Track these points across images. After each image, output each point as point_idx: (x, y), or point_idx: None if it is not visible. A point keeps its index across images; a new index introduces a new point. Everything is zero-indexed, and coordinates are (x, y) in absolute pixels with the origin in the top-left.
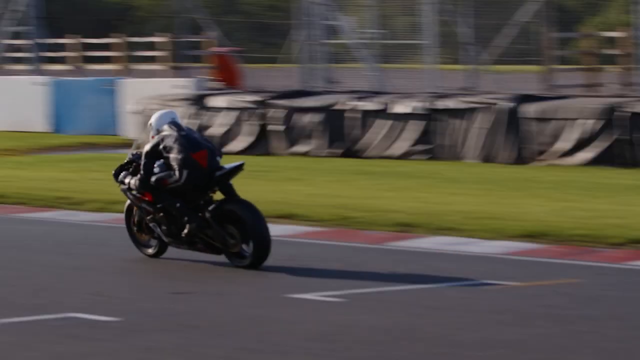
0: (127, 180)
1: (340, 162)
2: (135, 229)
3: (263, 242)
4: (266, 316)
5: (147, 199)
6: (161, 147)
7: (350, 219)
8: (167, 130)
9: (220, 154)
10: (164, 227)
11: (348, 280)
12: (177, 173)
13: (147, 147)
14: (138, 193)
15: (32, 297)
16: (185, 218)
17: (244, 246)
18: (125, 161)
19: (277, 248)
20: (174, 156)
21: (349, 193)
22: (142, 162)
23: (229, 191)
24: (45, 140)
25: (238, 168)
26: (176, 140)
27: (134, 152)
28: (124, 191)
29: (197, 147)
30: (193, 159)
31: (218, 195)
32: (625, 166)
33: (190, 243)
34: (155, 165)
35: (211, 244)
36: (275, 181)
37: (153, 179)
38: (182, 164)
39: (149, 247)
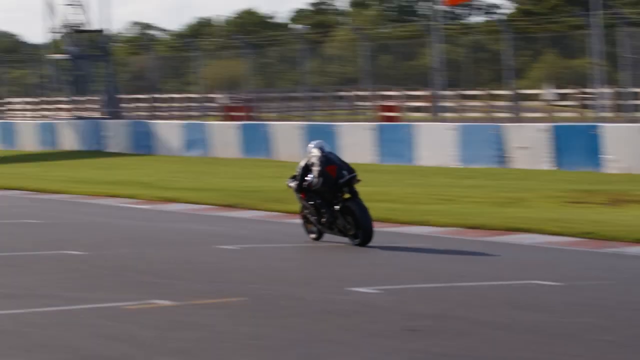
0: (291, 184)
1: None
2: (304, 220)
3: (367, 230)
4: None
5: (303, 197)
6: (308, 163)
7: None
8: (314, 152)
9: (350, 170)
10: (314, 218)
11: None
12: (316, 180)
13: (301, 163)
14: (298, 193)
15: None
16: (323, 210)
17: (358, 232)
18: (295, 174)
19: None
20: (315, 168)
21: None
22: (299, 173)
23: (353, 194)
24: None
25: (353, 178)
26: (318, 158)
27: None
28: (295, 193)
29: (330, 163)
30: (326, 171)
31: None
32: None
33: (329, 228)
34: (309, 175)
35: (340, 230)
36: None
37: (305, 184)
38: (319, 174)
39: (313, 233)
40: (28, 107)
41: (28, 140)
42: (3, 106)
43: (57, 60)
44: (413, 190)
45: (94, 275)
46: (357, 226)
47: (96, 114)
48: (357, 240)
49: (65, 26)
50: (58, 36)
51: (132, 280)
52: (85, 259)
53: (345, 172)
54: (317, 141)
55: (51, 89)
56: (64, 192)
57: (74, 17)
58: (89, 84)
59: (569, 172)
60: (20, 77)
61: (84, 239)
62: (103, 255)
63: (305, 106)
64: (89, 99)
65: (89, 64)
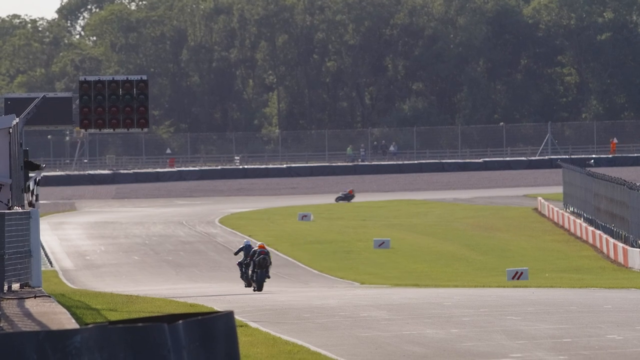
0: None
1: None
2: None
3: (259, 285)
4: None
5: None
6: (251, 252)
7: None
8: (248, 244)
9: (267, 257)
10: (245, 274)
11: None
12: (247, 259)
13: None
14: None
15: None
16: (247, 271)
17: (256, 286)
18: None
19: None
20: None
21: None
22: (238, 252)
23: (265, 269)
24: None
25: (263, 260)
26: (250, 250)
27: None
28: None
29: (256, 255)
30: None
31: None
32: None
33: (247, 280)
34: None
35: (251, 282)
36: None
37: (247, 260)
38: (251, 257)
39: (249, 285)
40: None
41: None
42: None
43: None
44: None
45: None
46: (257, 283)
47: None
48: (255, 290)
49: None
50: None
51: None
52: None
53: (267, 257)
54: (246, 240)
55: None
56: None
57: None
58: None
59: None
60: None
61: None
62: None
63: None
64: None
65: None
